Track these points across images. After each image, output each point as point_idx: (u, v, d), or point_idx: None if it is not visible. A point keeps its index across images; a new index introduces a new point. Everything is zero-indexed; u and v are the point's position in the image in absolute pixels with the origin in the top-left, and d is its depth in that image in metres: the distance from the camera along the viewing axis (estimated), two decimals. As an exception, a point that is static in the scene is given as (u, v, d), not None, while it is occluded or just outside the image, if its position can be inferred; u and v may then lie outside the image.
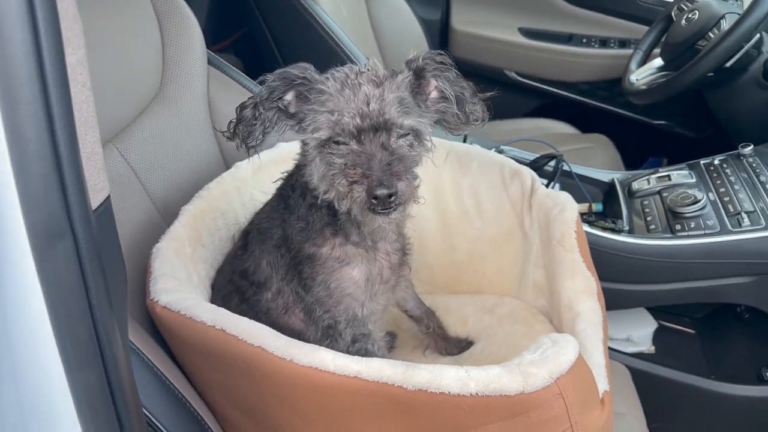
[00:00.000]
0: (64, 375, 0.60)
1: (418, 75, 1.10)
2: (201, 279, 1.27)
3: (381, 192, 0.98)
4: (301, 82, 1.05)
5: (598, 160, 2.39)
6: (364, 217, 1.08)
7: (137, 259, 1.27)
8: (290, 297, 1.19)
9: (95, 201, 0.64)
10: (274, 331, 1.02)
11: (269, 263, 1.20)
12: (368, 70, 1.07)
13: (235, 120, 1.08)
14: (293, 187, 1.17)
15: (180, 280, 1.17)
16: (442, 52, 1.12)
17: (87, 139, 0.61)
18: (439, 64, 1.10)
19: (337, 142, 1.03)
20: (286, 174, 1.23)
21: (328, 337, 1.16)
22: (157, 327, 1.16)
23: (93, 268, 0.62)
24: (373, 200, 0.99)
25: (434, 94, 1.14)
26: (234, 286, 1.24)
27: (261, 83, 1.07)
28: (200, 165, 1.51)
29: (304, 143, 1.11)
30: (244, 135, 1.06)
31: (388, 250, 1.21)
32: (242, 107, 1.07)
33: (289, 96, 1.08)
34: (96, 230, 0.62)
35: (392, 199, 0.99)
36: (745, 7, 1.87)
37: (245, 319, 1.04)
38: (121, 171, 1.34)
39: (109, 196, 0.67)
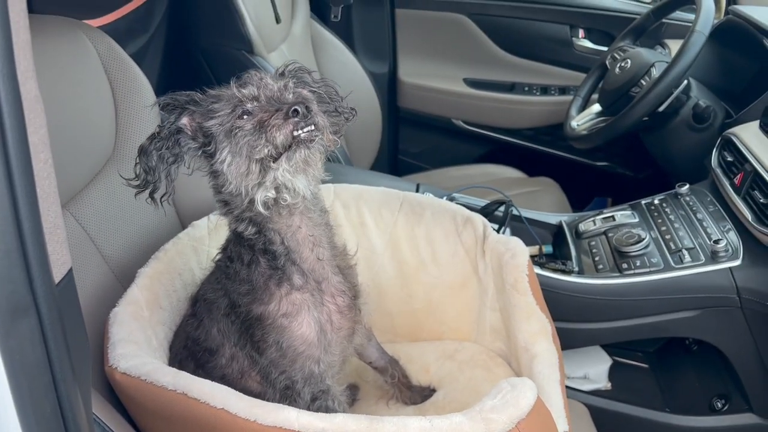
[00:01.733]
0: (27, 452, 0.60)
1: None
2: (160, 342, 1.26)
3: (299, 107, 1.01)
4: (191, 99, 1.09)
5: (545, 203, 2.47)
6: (294, 168, 1.05)
7: (94, 324, 1.25)
8: (245, 361, 1.19)
9: (58, 274, 0.64)
10: (237, 392, 1.02)
11: (219, 330, 1.20)
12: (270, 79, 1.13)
13: (137, 162, 1.08)
14: (230, 258, 1.18)
15: (139, 344, 1.15)
16: (297, 62, 1.20)
17: (49, 214, 0.62)
18: (298, 71, 1.18)
19: (241, 115, 1.05)
20: (221, 249, 1.24)
21: (286, 398, 1.15)
22: (115, 393, 1.14)
23: (57, 342, 0.62)
24: (293, 118, 1.01)
25: None
26: (189, 351, 1.24)
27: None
28: (156, 226, 1.51)
29: (210, 159, 1.11)
30: (147, 174, 1.06)
31: (333, 292, 1.20)
32: (141, 147, 1.08)
33: (184, 120, 1.10)
34: (59, 304, 0.63)
35: (309, 119, 1.02)
36: (673, 54, 1.99)
37: (207, 382, 1.04)
38: (77, 236, 1.33)
39: (71, 269, 0.67)
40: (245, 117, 1.05)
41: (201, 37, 2.28)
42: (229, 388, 1.02)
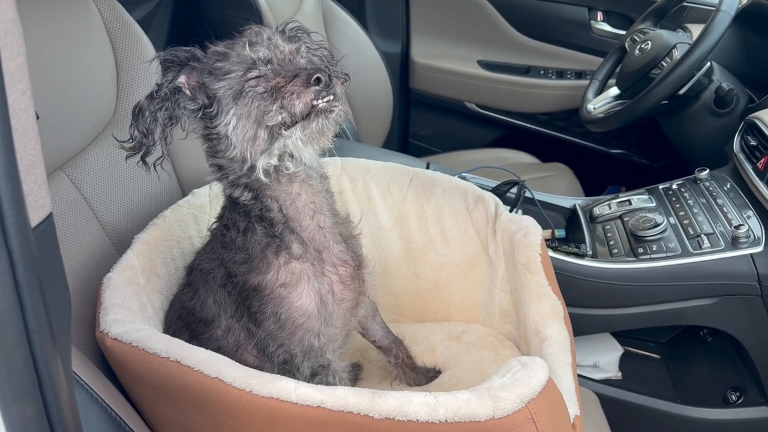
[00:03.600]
0: (-4, 407, 0.55)
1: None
2: (155, 310, 1.21)
3: (320, 74, 0.96)
4: (192, 55, 1.04)
5: (558, 188, 2.41)
6: (309, 135, 1.00)
7: (88, 290, 1.21)
8: (241, 334, 1.14)
9: (35, 218, 0.59)
10: (233, 361, 0.97)
11: (216, 301, 1.15)
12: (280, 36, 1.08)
13: (132, 123, 1.02)
14: (226, 226, 1.13)
15: (132, 310, 1.11)
16: (297, 21, 1.15)
17: (26, 151, 0.57)
18: (298, 31, 1.13)
19: (252, 78, 0.99)
20: (216, 218, 1.19)
21: (284, 373, 1.10)
22: (107, 361, 1.09)
23: (31, 290, 0.57)
24: (315, 86, 0.96)
25: None
26: (183, 321, 1.19)
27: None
28: (156, 193, 1.46)
29: (210, 121, 1.06)
30: (142, 136, 1.01)
31: (335, 262, 1.15)
32: (137, 106, 1.02)
33: (182, 78, 1.04)
34: (35, 250, 0.58)
35: (330, 88, 0.97)
36: (695, 37, 1.92)
37: (201, 350, 0.99)
38: (72, 199, 1.28)
39: (51, 214, 0.62)
40: (258, 79, 0.99)
41: (209, 7, 2.23)
42: (224, 357, 0.97)
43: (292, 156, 1.05)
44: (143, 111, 1.01)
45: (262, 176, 1.04)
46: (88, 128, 1.37)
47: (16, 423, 0.58)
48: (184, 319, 1.18)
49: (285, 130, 0.99)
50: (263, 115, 0.98)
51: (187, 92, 1.05)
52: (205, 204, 1.43)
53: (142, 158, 1.03)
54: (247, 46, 1.02)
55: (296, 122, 0.98)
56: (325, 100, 0.98)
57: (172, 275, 1.31)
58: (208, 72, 1.04)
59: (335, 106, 0.99)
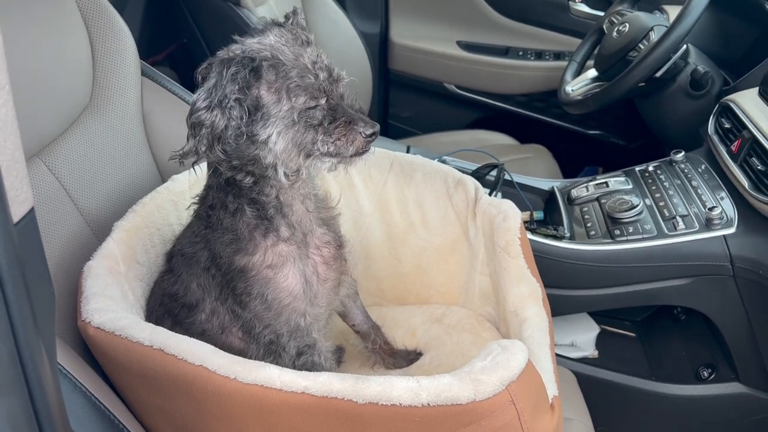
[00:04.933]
0: (-17, 402, 0.55)
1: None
2: (137, 298, 1.21)
3: (375, 129, 1.06)
4: (259, 64, 1.00)
5: (536, 170, 2.43)
6: (345, 164, 1.09)
7: (69, 278, 1.20)
8: (226, 316, 1.15)
9: (17, 213, 0.59)
10: (217, 349, 0.98)
11: (199, 285, 1.15)
12: (291, 34, 1.09)
13: (191, 134, 0.98)
14: (212, 206, 1.13)
15: (114, 299, 1.10)
16: (297, 13, 1.17)
17: (6, 146, 0.57)
18: (297, 27, 1.15)
19: (311, 107, 1.03)
20: (198, 198, 1.18)
21: (271, 353, 1.12)
22: (90, 350, 1.09)
23: (15, 285, 0.57)
24: (369, 138, 1.06)
25: None
26: (165, 308, 1.19)
27: (203, 80, 0.99)
28: (135, 179, 1.45)
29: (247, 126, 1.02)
30: (211, 144, 0.98)
31: (318, 244, 1.19)
32: (196, 117, 0.97)
33: (263, 92, 1.02)
34: (18, 245, 0.58)
35: (375, 137, 1.07)
36: (672, 19, 1.94)
37: (185, 338, 0.99)
38: (50, 186, 1.27)
39: (32, 209, 0.62)
40: (315, 111, 1.04)
41: (184, -13, 2.19)
42: (208, 345, 0.98)
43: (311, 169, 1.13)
44: (203, 124, 0.97)
45: (283, 180, 1.08)
46: (65, 114, 1.35)
47: (3, 417, 0.58)
48: (166, 306, 1.19)
49: (324, 156, 1.06)
50: (312, 144, 1.05)
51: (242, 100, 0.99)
52: (185, 190, 1.42)
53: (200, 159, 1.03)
54: (311, 68, 1.04)
55: (338, 155, 1.07)
56: (369, 147, 1.08)
57: (153, 262, 1.30)
58: (258, 78, 1.01)
59: (372, 146, 1.09)
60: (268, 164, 1.05)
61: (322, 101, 1.05)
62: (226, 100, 0.96)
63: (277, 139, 1.02)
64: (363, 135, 1.05)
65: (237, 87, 0.97)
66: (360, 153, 1.07)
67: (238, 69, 0.97)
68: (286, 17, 1.15)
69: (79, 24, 1.41)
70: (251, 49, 1.03)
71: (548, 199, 2.01)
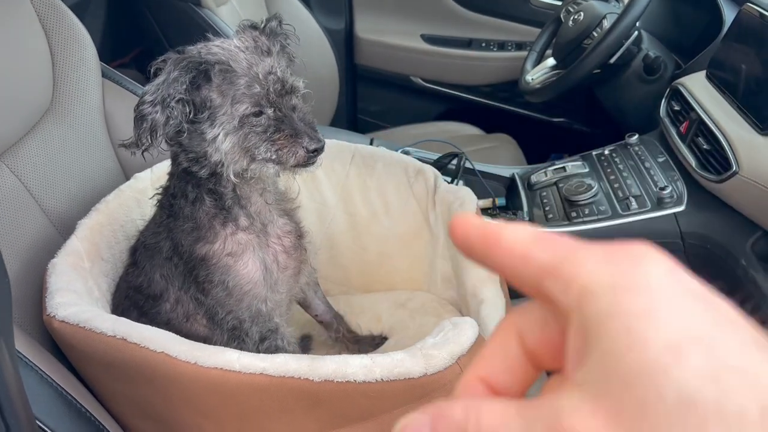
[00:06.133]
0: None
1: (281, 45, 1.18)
2: (103, 293, 1.24)
3: (318, 145, 1.07)
4: (204, 68, 1.04)
5: (502, 159, 2.48)
6: (287, 173, 1.13)
7: (34, 276, 1.23)
8: (190, 304, 1.18)
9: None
10: (178, 336, 1.01)
11: (163, 276, 1.19)
12: (252, 41, 1.11)
13: (135, 127, 1.04)
14: (173, 195, 1.17)
15: (78, 293, 1.13)
16: (279, 19, 1.20)
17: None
18: (281, 34, 1.19)
19: (255, 114, 1.06)
20: (161, 188, 1.22)
21: (235, 339, 1.17)
22: (57, 344, 1.12)
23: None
24: (311, 154, 1.07)
25: None
26: (131, 301, 1.22)
27: (155, 74, 1.04)
28: (99, 179, 1.47)
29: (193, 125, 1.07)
30: (150, 138, 1.02)
31: (278, 234, 1.23)
32: (141, 112, 1.02)
33: (204, 92, 1.06)
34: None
35: (322, 149, 1.09)
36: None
37: (147, 327, 1.03)
38: (13, 188, 1.29)
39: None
40: (260, 118, 1.07)
41: (145, -11, 2.21)
42: (170, 333, 1.02)
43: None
44: (145, 118, 1.01)
45: (232, 178, 1.11)
46: (25, 117, 1.37)
47: (-38, 400, 0.61)
48: (131, 298, 1.22)
49: (269, 163, 1.09)
50: (255, 148, 1.07)
51: (187, 98, 1.04)
52: (148, 187, 1.45)
53: (145, 149, 1.05)
54: (251, 75, 1.06)
55: (280, 163, 1.09)
56: (313, 160, 1.10)
57: (118, 258, 1.33)
58: (208, 80, 1.05)
59: (317, 159, 1.10)
60: (215, 162, 1.08)
61: (269, 111, 1.07)
62: (169, 99, 1.00)
63: (224, 140, 1.06)
64: (306, 150, 1.08)
65: (184, 88, 1.01)
66: (302, 165, 1.10)
67: (185, 71, 1.01)
68: (266, 21, 1.17)
69: (37, 29, 1.43)
70: (209, 51, 1.07)
71: (510, 186, 2.06)
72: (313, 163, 1.11)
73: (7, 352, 0.68)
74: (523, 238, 0.31)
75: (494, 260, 0.32)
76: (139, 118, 1.02)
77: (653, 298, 0.26)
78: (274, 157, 1.08)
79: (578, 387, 0.26)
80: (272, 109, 1.08)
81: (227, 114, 1.05)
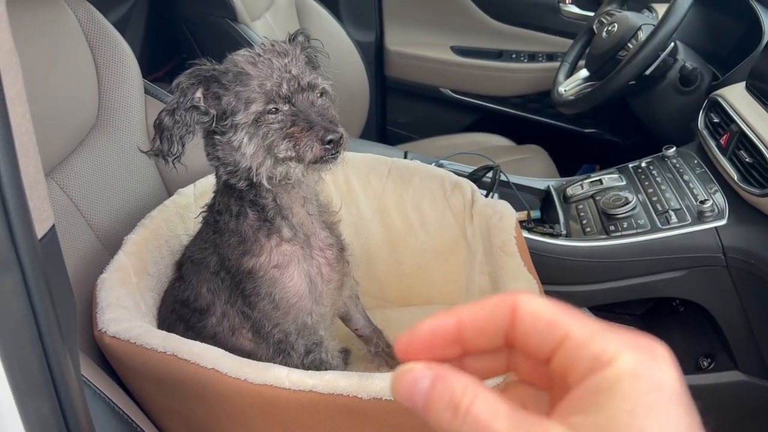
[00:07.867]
0: (15, 404, 0.60)
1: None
2: (149, 307, 1.26)
3: (333, 136, 1.05)
4: (212, 75, 1.08)
5: (533, 170, 2.48)
6: (311, 171, 1.11)
7: (82, 292, 1.25)
8: (236, 318, 1.20)
9: (41, 230, 0.64)
10: (227, 352, 1.02)
11: (209, 290, 1.20)
12: (270, 45, 1.13)
13: (155, 135, 1.09)
14: (219, 211, 1.19)
15: (127, 309, 1.16)
16: (304, 31, 1.22)
17: (29, 170, 0.62)
18: (305, 42, 1.21)
19: (271, 111, 1.07)
20: (206, 206, 1.24)
21: (280, 353, 1.17)
22: (106, 359, 1.14)
23: (41, 297, 0.62)
24: (327, 146, 1.05)
25: None
26: (177, 315, 1.24)
27: (172, 91, 1.08)
28: (142, 194, 1.50)
29: (217, 134, 1.11)
30: (167, 147, 1.07)
31: (321, 246, 1.23)
32: (159, 119, 1.08)
33: (198, 93, 1.09)
34: (43, 260, 0.63)
35: (340, 142, 1.06)
36: (660, 17, 1.98)
37: (197, 343, 1.04)
38: (61, 204, 1.32)
39: (53, 225, 0.67)
40: (275, 116, 1.07)
41: (183, 5, 2.25)
42: (219, 349, 1.03)
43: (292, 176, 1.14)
44: (164, 127, 1.07)
45: (265, 183, 1.12)
46: (73, 134, 1.40)
47: (33, 419, 0.63)
48: (178, 312, 1.24)
49: (291, 162, 1.09)
50: (275, 148, 1.07)
51: (202, 107, 1.09)
52: (191, 203, 1.47)
53: (164, 158, 1.09)
54: (264, 75, 1.08)
55: (300, 160, 1.08)
56: (332, 154, 1.07)
57: (162, 273, 1.35)
58: (220, 86, 1.09)
59: (339, 153, 1.09)
60: (245, 168, 1.10)
61: (284, 107, 1.07)
62: (180, 106, 1.06)
63: (247, 143, 1.07)
64: (321, 141, 1.05)
65: (194, 96, 1.07)
66: (322, 161, 1.08)
67: (195, 79, 1.07)
68: (291, 35, 1.20)
69: (83, 46, 1.47)
70: (231, 60, 1.11)
71: (545, 198, 2.05)
72: (333, 158, 1.08)
73: (73, 369, 0.70)
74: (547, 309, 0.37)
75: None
76: (157, 126, 1.07)
77: (662, 398, 0.33)
78: (293, 154, 1.07)
79: (571, 427, 0.32)
80: (287, 105, 1.08)
81: (244, 115, 1.07)
